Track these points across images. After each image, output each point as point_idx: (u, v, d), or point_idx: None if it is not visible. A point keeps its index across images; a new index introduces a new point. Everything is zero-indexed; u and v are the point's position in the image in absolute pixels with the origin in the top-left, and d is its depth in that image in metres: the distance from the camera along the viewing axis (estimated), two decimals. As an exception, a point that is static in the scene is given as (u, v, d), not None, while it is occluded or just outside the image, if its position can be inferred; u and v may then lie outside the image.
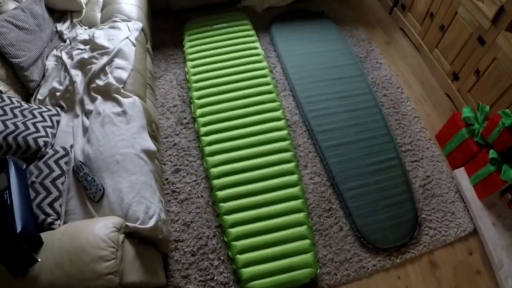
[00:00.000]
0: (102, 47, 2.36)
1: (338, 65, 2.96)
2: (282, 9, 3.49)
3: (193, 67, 2.85)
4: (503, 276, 2.20)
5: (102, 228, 1.53)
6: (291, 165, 2.40)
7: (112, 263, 1.45)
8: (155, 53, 3.02)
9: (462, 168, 2.53)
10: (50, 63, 2.40)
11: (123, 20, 2.56)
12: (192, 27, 3.11)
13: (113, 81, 2.19)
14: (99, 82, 2.21)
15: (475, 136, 2.43)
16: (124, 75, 2.25)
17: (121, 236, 1.57)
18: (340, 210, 2.37)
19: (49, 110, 2.13)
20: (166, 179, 2.45)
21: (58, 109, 2.20)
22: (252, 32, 3.09)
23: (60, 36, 2.55)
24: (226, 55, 2.90)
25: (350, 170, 2.47)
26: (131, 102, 2.14)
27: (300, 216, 2.23)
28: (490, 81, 2.51)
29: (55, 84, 2.28)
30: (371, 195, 2.39)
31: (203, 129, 2.56)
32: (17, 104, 2.04)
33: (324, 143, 2.57)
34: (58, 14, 2.69)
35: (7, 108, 1.97)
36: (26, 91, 2.29)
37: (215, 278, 2.10)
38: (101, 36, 2.42)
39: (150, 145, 2.04)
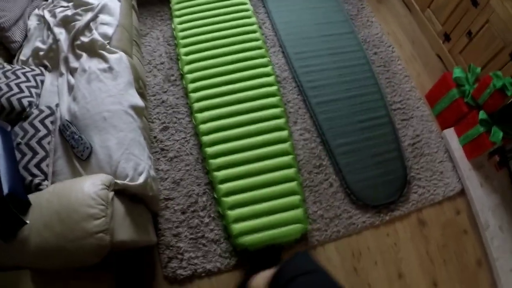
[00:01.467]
0: (86, 3, 2.14)
1: (329, 22, 2.75)
2: None
3: (180, 23, 2.60)
4: (489, 237, 2.11)
5: (90, 186, 1.41)
6: (280, 121, 2.24)
7: (103, 221, 1.36)
8: (140, 10, 2.75)
9: (452, 129, 2.40)
10: (33, 22, 2.18)
11: None
12: None
13: (98, 37, 2.00)
14: (84, 39, 2.01)
15: (466, 97, 2.29)
16: (109, 30, 2.05)
17: (111, 194, 1.46)
18: (330, 167, 2.24)
19: (33, 70, 1.95)
20: (155, 137, 2.27)
21: (42, 68, 2.02)
22: None
23: None
24: (214, 11, 2.66)
25: (340, 126, 2.32)
26: (118, 58, 1.96)
27: (290, 171, 2.10)
28: (482, 43, 2.34)
29: (38, 44, 2.07)
30: (361, 152, 2.26)
31: (191, 86, 2.36)
32: None
33: (314, 99, 2.40)
34: None
35: None
36: (8, 52, 2.09)
37: (205, 235, 2.00)
38: None
39: (138, 101, 1.89)
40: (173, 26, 2.64)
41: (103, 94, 1.80)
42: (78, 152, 1.65)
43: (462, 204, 2.26)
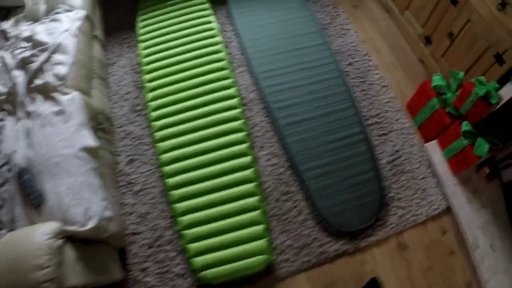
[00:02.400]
0: (42, 43, 2.03)
1: (300, 34, 2.52)
2: None
3: (145, 48, 2.47)
4: (479, 257, 1.86)
5: (38, 235, 1.42)
6: (243, 147, 2.07)
7: (49, 271, 1.36)
8: (109, 38, 2.64)
9: (435, 141, 2.14)
10: None
11: (66, 11, 2.20)
12: (145, 5, 2.68)
13: (51, 79, 1.90)
14: (39, 81, 1.92)
15: (447, 106, 2.03)
16: (63, 70, 1.94)
17: (58, 242, 1.44)
18: (299, 193, 2.04)
19: None
20: (121, 170, 2.15)
21: (1, 114, 1.93)
22: (207, 5, 2.65)
23: (4, 35, 2.22)
24: (179, 33, 2.50)
25: (311, 148, 2.11)
26: (70, 98, 1.86)
27: (253, 200, 1.93)
28: (465, 44, 2.06)
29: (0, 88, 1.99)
30: (333, 174, 2.05)
31: (154, 114, 2.22)
32: None
33: (283, 120, 2.19)
34: (3, 12, 2.33)
35: None
36: None
37: (171, 270, 1.88)
38: (41, 31, 2.08)
39: (91, 141, 1.79)
40: (138, 52, 2.50)
41: (55, 138, 1.74)
42: (31, 200, 1.59)
43: (448, 223, 2.02)
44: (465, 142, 1.93)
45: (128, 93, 2.41)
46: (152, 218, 2.02)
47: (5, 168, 1.67)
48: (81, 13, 2.21)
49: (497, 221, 1.99)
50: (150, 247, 1.94)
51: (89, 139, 1.79)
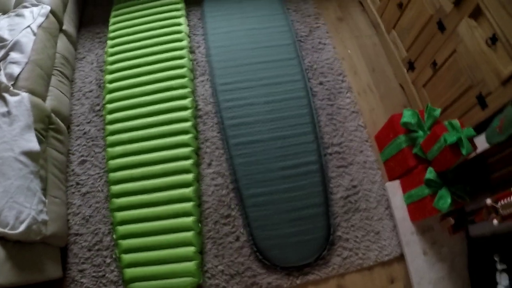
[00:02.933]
0: (1, 39, 1.96)
1: (270, 45, 2.29)
2: None
3: (112, 46, 2.33)
4: (426, 315, 1.67)
5: None
6: (187, 163, 1.93)
7: None
8: (82, 30, 2.54)
9: (397, 182, 1.89)
10: None
11: (32, 5, 2.11)
12: (120, 0, 2.55)
13: (2, 78, 1.83)
14: None
15: (415, 147, 1.78)
16: (16, 70, 1.87)
17: None
18: (239, 218, 1.89)
19: None
20: (72, 170, 2.08)
21: None
22: (180, 5, 2.48)
23: None
24: (147, 33, 2.35)
25: (258, 173, 1.93)
26: (18, 100, 1.78)
27: (188, 220, 1.81)
28: (448, 77, 1.79)
29: None
30: (277, 205, 1.87)
31: (109, 117, 2.11)
32: None
33: (234, 139, 2.02)
34: None
35: None
36: None
37: (106, 275, 1.84)
38: (3, 26, 2.01)
39: (33, 145, 1.73)
40: (105, 49, 2.38)
41: None
42: None
43: (399, 272, 1.82)
44: (427, 191, 1.69)
45: (90, 91, 2.31)
46: (95, 222, 1.96)
47: None
48: (46, 9, 2.11)
49: (454, 279, 1.76)
50: (89, 250, 1.90)
51: (31, 143, 1.73)
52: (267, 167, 1.94)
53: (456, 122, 1.59)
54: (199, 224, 1.86)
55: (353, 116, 2.09)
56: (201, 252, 1.81)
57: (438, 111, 1.76)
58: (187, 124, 2.03)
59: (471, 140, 1.54)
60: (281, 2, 2.54)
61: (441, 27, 1.78)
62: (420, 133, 1.78)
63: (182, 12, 2.45)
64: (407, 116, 1.79)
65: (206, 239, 1.86)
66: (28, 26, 2.03)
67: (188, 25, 2.49)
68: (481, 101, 1.60)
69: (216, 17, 2.48)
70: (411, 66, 2.06)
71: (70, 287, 1.83)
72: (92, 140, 2.16)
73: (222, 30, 2.40)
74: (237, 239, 1.85)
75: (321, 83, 2.20)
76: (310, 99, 2.10)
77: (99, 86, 2.31)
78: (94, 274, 1.83)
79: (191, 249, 1.77)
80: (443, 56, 1.81)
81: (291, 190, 1.89)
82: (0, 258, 1.48)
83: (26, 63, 1.92)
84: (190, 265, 1.74)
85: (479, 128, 1.57)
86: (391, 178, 1.95)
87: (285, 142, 1.99)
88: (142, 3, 2.48)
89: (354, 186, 1.93)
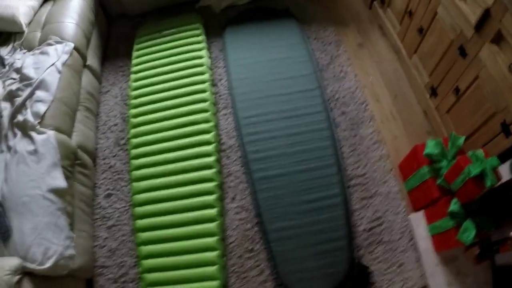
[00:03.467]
0: (28, 78, 2.12)
1: (292, 76, 2.36)
2: (241, 9, 2.89)
3: (135, 80, 2.48)
4: None
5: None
6: (211, 198, 2.01)
7: None
8: (106, 64, 2.71)
9: (421, 212, 1.93)
10: None
11: (56, 42, 2.27)
12: (143, 33, 2.70)
13: (29, 117, 1.98)
14: (20, 118, 2.01)
15: (439, 178, 1.81)
16: (42, 108, 2.01)
17: (16, 278, 1.54)
18: (263, 252, 1.96)
19: None
20: (99, 203, 2.22)
21: None
22: (201, 38, 2.59)
23: (2, 61, 2.33)
24: (170, 66, 2.47)
25: (282, 207, 1.99)
26: (44, 139, 1.93)
27: (212, 255, 1.89)
28: (471, 104, 1.83)
29: None
30: (301, 238, 1.92)
31: (134, 152, 2.24)
32: None
33: (258, 173, 2.09)
34: (4, 36, 2.47)
35: None
36: None
37: None
38: (29, 64, 2.18)
39: (60, 182, 1.86)
40: (129, 83, 2.52)
41: (26, 178, 1.82)
42: (0, 233, 1.70)
43: None
44: (451, 223, 1.71)
45: (115, 124, 2.46)
46: (121, 255, 2.06)
47: None
48: (69, 46, 2.27)
49: (479, 309, 1.76)
50: (115, 282, 2.00)
51: (58, 181, 1.85)
52: (290, 201, 2.01)
53: (480, 152, 1.63)
54: (223, 258, 1.94)
55: (376, 145, 2.14)
56: (225, 286, 1.88)
57: (461, 140, 1.78)
58: (211, 159, 2.12)
59: (495, 170, 1.56)
60: (301, 31, 2.62)
61: (462, 52, 1.82)
62: (444, 162, 1.81)
63: (204, 44, 2.57)
64: (430, 147, 1.83)
65: (230, 273, 1.94)
66: (53, 64, 2.18)
67: (210, 57, 2.61)
68: (505, 128, 1.63)
69: (237, 48, 2.58)
70: (433, 92, 2.09)
71: None
72: (118, 174, 2.30)
73: (243, 62, 2.49)
74: (261, 272, 1.92)
75: (343, 113, 2.27)
76: (333, 131, 2.16)
77: (124, 120, 2.46)
78: None
79: (215, 283, 1.83)
80: (465, 82, 1.84)
81: (314, 224, 1.95)
82: None
83: (52, 101, 2.06)
84: (214, 299, 1.82)
85: (504, 156, 1.61)
86: (415, 208, 1.98)
87: (309, 175, 2.05)
88: (163, 36, 2.62)
89: (378, 218, 1.97)
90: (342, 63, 2.44)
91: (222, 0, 2.80)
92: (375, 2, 2.64)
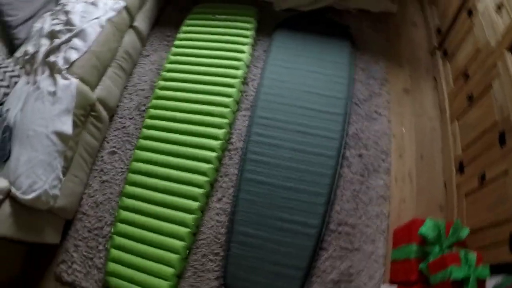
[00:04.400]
0: (71, 23, 2.34)
1: (322, 94, 2.36)
2: (301, 13, 2.89)
3: (174, 54, 2.62)
4: None
5: None
6: (198, 191, 2.14)
7: None
8: (155, 29, 2.89)
9: (395, 287, 1.86)
10: (37, 25, 2.48)
11: None
12: (197, 11, 2.81)
13: (60, 61, 2.19)
14: (52, 58, 2.23)
15: (423, 262, 1.73)
16: (74, 56, 2.21)
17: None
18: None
19: (13, 70, 2.28)
20: (102, 156, 2.43)
21: (21, 71, 2.31)
22: (249, 33, 2.65)
23: (57, 0, 2.55)
24: (210, 51, 2.58)
25: (256, 215, 2.06)
26: (66, 84, 2.12)
27: (178, 243, 2.03)
28: (491, 198, 1.73)
29: (29, 47, 2.37)
30: (261, 252, 1.98)
31: (148, 121, 2.41)
32: None
33: (248, 174, 2.17)
34: None
35: None
36: (13, 46, 2.43)
37: (94, 259, 2.13)
38: (78, 11, 2.40)
39: (66, 128, 2.05)
40: (168, 55, 2.65)
41: (38, 114, 2.04)
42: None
43: None
44: (419, 311, 1.64)
45: (143, 89, 2.63)
46: (103, 210, 2.27)
47: None
48: (120, 4, 2.46)
49: None
50: (89, 231, 2.22)
51: (65, 126, 2.04)
52: (267, 212, 2.06)
53: (472, 256, 1.54)
54: (187, 251, 2.06)
55: (380, 201, 2.09)
56: (179, 276, 2.01)
57: (465, 232, 1.69)
58: (212, 154, 2.23)
59: (481, 282, 1.46)
60: (351, 54, 2.58)
61: (502, 139, 1.71)
62: (436, 248, 1.74)
63: (249, 40, 2.65)
64: (427, 228, 1.76)
65: (189, 266, 2.05)
66: (98, 18, 2.37)
67: (252, 55, 2.68)
68: None
69: (282, 49, 2.61)
70: (461, 168, 1.98)
71: (61, 255, 2.16)
72: (128, 136, 2.49)
73: (282, 64, 2.53)
74: (217, 278, 2.01)
75: (360, 155, 2.23)
76: (337, 165, 2.15)
77: (151, 88, 2.63)
78: (85, 253, 2.15)
79: (170, 270, 1.97)
80: (494, 172, 1.74)
81: (280, 243, 1.98)
82: (6, 213, 1.80)
83: (85, 52, 2.25)
84: (164, 284, 1.94)
85: (499, 268, 1.51)
86: (392, 280, 1.94)
87: (295, 195, 2.08)
88: (215, 19, 2.72)
89: (350, 274, 1.95)
90: (380, 103, 2.38)
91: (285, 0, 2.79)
92: (437, 51, 2.52)
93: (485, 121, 1.86)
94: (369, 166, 2.20)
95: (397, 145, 2.27)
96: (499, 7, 1.90)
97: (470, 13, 2.16)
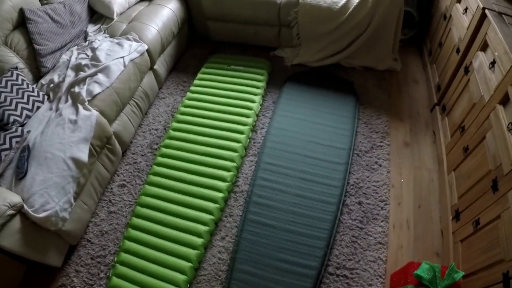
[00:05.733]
0: (97, 59, 2.75)
1: (326, 144, 2.68)
2: (310, 68, 3.34)
3: (190, 99, 3.01)
4: None
5: (1, 199, 1.95)
6: (203, 228, 2.35)
7: None
8: (172, 74, 3.32)
9: (388, 330, 1.98)
10: (64, 57, 2.89)
11: (134, 39, 2.88)
12: (213, 60, 3.26)
13: (83, 92, 2.54)
14: (76, 89, 2.59)
15: (419, 305, 1.87)
16: (97, 90, 2.57)
17: (11, 211, 1.95)
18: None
19: (37, 96, 2.63)
20: (111, 188, 2.71)
21: (45, 97, 2.65)
22: (261, 84, 3.06)
23: (85, 36, 2.94)
24: (223, 99, 2.97)
25: (257, 254, 2.26)
26: (87, 115, 2.45)
27: (179, 277, 2.18)
28: (484, 242, 1.93)
29: (55, 77, 2.76)
30: None
31: (159, 159, 2.72)
32: (19, 82, 2.60)
33: (251, 215, 2.41)
34: (97, 16, 3.20)
35: (9, 84, 2.55)
36: (39, 73, 2.81)
37: (94, 286, 2.28)
38: (103, 49, 2.82)
39: (83, 156, 2.32)
40: (183, 99, 3.03)
41: (57, 139, 2.33)
42: (17, 172, 2.21)
43: None
44: None
45: (156, 129, 2.97)
46: (108, 239, 2.48)
47: (15, 139, 2.29)
48: (143, 47, 2.87)
49: None
50: (92, 258, 2.40)
51: (82, 154, 2.32)
52: (268, 253, 2.27)
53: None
54: (188, 285, 2.22)
55: (378, 247, 2.28)
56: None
57: (459, 275, 1.87)
58: (219, 195, 2.50)
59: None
60: (355, 109, 2.95)
61: (494, 186, 1.94)
62: (432, 290, 1.86)
63: (261, 91, 3.05)
64: (422, 270, 1.92)
65: (187, 300, 2.23)
66: (122, 57, 2.77)
67: (261, 105, 3.06)
68: (506, 280, 1.66)
69: (290, 100, 3.01)
70: (457, 216, 2.19)
71: (61, 279, 2.33)
72: (138, 172, 2.77)
73: (289, 114, 2.91)
74: (216, 314, 2.17)
75: (359, 203, 2.47)
76: (337, 211, 2.39)
77: (165, 128, 2.97)
78: (85, 279, 2.32)
79: None
80: (487, 218, 1.94)
81: (278, 283, 2.15)
82: (15, 228, 1.99)
83: (108, 87, 2.62)
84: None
85: None
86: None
87: (296, 238, 2.30)
88: (230, 70, 3.13)
89: (344, 318, 2.06)
90: (380, 155, 2.67)
91: (296, 56, 3.23)
92: (437, 107, 2.85)
93: (479, 170, 2.11)
94: (368, 213, 2.43)
95: (396, 194, 2.51)
96: (492, 64, 2.20)
97: (466, 70, 2.48)
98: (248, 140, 2.83)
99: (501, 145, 1.95)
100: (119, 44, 2.84)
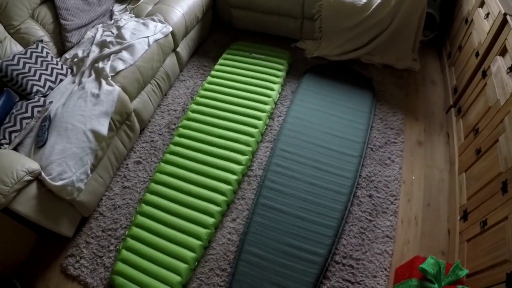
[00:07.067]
0: (122, 37, 2.81)
1: (342, 136, 2.73)
2: (329, 62, 3.39)
3: (209, 83, 3.06)
4: None
5: (19, 164, 2.02)
6: (215, 208, 2.42)
7: (5, 188, 1.92)
8: (194, 58, 3.37)
9: (392, 321, 2.04)
10: (89, 33, 2.95)
11: (159, 21, 2.91)
12: (235, 47, 3.31)
13: (107, 68, 2.61)
14: (100, 64, 2.66)
15: (422, 299, 1.93)
16: (121, 66, 2.64)
17: (27, 177, 2.01)
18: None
19: (61, 69, 2.71)
20: (127, 164, 2.78)
21: (69, 70, 2.72)
22: (281, 73, 3.10)
23: (111, 15, 2.99)
24: (243, 85, 3.01)
25: (266, 237, 2.32)
26: (110, 90, 2.52)
27: (189, 255, 2.25)
28: (490, 242, 1.97)
29: (79, 52, 2.83)
30: (265, 272, 2.20)
31: (176, 139, 2.78)
32: (43, 54, 2.67)
33: (263, 199, 2.47)
34: None
35: (34, 55, 2.62)
36: (63, 47, 2.90)
37: (103, 257, 2.37)
38: (129, 28, 2.88)
39: (103, 129, 2.39)
40: (203, 83, 3.07)
41: (79, 111, 2.41)
42: (37, 140, 2.29)
43: None
44: None
45: (175, 110, 3.02)
46: (120, 213, 2.55)
47: (37, 108, 2.38)
48: (168, 29, 2.91)
49: None
50: (103, 231, 2.48)
51: (102, 127, 2.39)
52: (276, 237, 2.33)
53: (469, 291, 1.72)
54: (196, 263, 2.29)
55: (385, 240, 2.32)
56: (184, 285, 2.22)
57: (464, 273, 1.91)
58: (233, 177, 2.55)
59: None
60: (372, 104, 2.99)
61: (504, 188, 1.97)
62: (435, 286, 1.91)
63: (280, 80, 3.09)
64: (428, 264, 1.97)
65: (195, 278, 2.26)
66: (147, 37, 2.81)
67: (280, 93, 3.11)
68: (510, 280, 1.71)
69: (308, 91, 3.05)
70: (465, 216, 2.22)
71: (72, 249, 2.41)
72: (155, 150, 2.83)
73: (306, 105, 2.96)
74: (221, 290, 2.26)
75: (370, 196, 2.52)
76: (348, 202, 2.44)
77: (183, 110, 3.02)
78: (95, 250, 2.40)
79: (177, 279, 2.19)
80: (495, 219, 1.98)
81: (285, 267, 2.23)
82: (31, 194, 2.06)
83: (131, 65, 2.68)
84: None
85: None
86: (391, 317, 2.08)
87: (305, 225, 2.36)
88: (250, 57, 3.17)
89: (348, 306, 2.12)
90: (394, 151, 2.71)
91: (317, 48, 3.28)
92: (452, 109, 2.88)
93: (490, 172, 2.15)
94: (378, 206, 2.47)
95: (406, 190, 2.55)
96: (510, 69, 2.23)
97: (484, 74, 2.51)
98: (265, 127, 2.88)
99: (513, 144, 2.02)
100: (144, 24, 2.89)
